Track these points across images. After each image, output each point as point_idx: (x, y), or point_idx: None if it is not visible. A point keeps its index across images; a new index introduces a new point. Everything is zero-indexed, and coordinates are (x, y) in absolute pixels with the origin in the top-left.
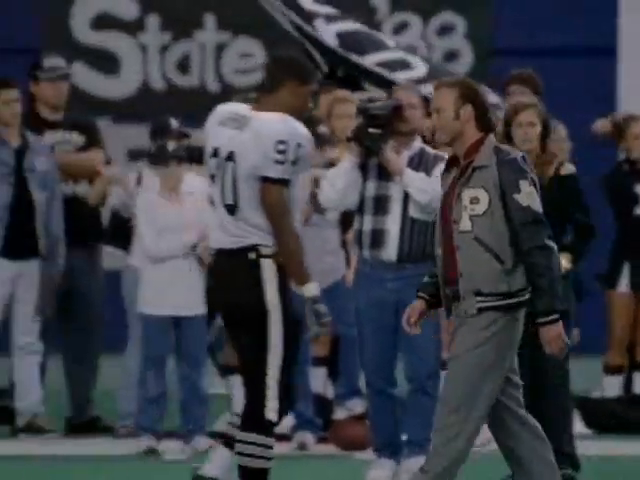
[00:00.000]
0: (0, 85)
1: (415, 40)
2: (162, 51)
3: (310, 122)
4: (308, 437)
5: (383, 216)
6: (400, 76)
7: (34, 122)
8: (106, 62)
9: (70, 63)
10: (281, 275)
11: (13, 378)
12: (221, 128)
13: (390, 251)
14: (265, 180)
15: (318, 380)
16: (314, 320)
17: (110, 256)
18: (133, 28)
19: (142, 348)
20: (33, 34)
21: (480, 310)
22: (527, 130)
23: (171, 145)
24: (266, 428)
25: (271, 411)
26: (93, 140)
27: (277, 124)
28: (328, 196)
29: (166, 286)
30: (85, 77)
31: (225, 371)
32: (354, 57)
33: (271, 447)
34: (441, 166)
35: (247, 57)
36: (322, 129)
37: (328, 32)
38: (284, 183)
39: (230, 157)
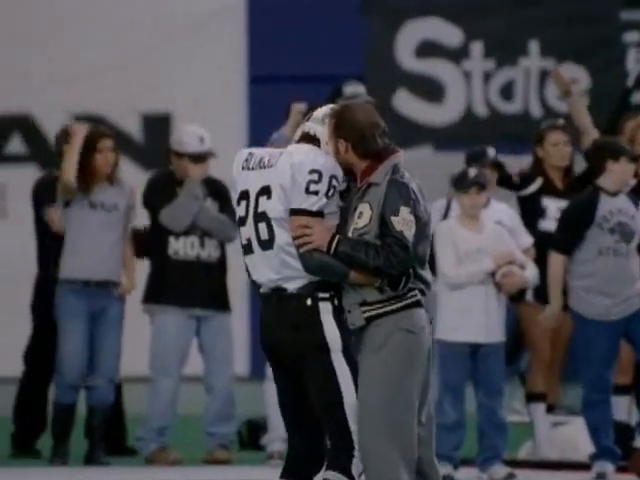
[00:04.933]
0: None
1: None
2: (486, 78)
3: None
4: (608, 467)
5: None
6: None
7: None
8: (430, 89)
9: (393, 90)
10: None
11: None
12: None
13: None
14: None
15: (620, 408)
16: None
17: None
18: (457, 55)
19: (439, 375)
20: (358, 62)
21: (368, 320)
22: None
23: (472, 172)
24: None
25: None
26: None
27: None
28: None
29: (464, 313)
30: (408, 104)
31: (529, 398)
32: None
33: None
34: None
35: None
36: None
37: None
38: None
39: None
